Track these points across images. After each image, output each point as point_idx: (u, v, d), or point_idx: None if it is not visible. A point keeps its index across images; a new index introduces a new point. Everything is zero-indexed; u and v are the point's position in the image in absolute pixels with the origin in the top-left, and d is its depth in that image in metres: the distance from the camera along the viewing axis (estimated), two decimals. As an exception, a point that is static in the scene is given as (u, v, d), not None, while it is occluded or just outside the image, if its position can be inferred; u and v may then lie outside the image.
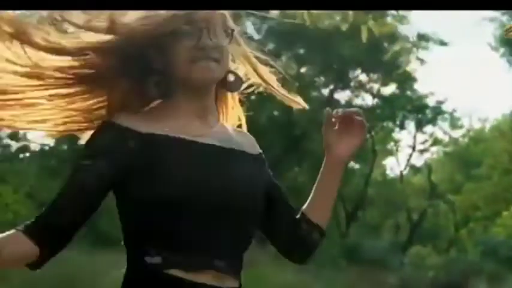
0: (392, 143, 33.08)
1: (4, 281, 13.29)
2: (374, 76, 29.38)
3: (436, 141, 33.20)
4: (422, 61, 27.81)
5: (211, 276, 2.13)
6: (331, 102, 28.33)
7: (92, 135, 2.16)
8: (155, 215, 2.09)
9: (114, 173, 2.10)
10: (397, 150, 33.58)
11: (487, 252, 24.99)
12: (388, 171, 35.63)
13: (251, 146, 2.35)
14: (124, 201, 2.16)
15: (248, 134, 2.41)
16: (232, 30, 2.26)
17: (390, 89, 30.53)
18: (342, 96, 30.75)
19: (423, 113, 30.34)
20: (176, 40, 2.17)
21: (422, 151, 33.24)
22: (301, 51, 27.98)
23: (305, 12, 7.08)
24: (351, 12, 7.17)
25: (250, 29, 27.71)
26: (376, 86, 30.00)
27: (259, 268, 15.24)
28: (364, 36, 7.41)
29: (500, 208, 33.01)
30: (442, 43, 30.59)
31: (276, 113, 28.36)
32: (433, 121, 31.13)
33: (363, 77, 29.70)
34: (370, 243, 24.39)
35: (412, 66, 29.06)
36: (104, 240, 26.01)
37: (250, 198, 2.20)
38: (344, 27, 7.60)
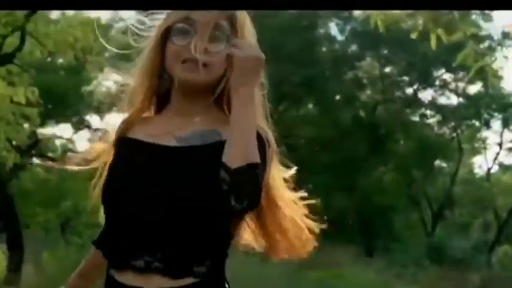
0: (479, 142, 32.78)
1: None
2: (459, 75, 29.17)
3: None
4: (507, 59, 27.46)
5: (131, 275, 2.11)
6: (415, 101, 28.29)
7: None
8: (104, 212, 2.20)
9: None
10: (484, 148, 33.25)
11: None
12: (476, 170, 35.33)
13: (212, 136, 2.21)
14: None
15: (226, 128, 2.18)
16: (228, 36, 2.21)
17: (475, 87, 30.31)
18: (426, 95, 30.70)
19: (509, 111, 29.97)
20: (170, 36, 2.21)
21: (510, 149, 32.85)
22: (385, 51, 28.00)
23: (375, 14, 7.25)
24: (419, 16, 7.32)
25: (334, 30, 27.93)
26: (461, 85, 29.81)
27: (342, 268, 15.40)
28: (433, 43, 7.52)
29: None
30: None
31: (361, 113, 28.48)
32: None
33: (447, 76, 29.56)
34: (456, 243, 24.17)
35: (498, 65, 28.79)
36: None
37: (186, 195, 2.08)
38: (414, 34, 7.73)
